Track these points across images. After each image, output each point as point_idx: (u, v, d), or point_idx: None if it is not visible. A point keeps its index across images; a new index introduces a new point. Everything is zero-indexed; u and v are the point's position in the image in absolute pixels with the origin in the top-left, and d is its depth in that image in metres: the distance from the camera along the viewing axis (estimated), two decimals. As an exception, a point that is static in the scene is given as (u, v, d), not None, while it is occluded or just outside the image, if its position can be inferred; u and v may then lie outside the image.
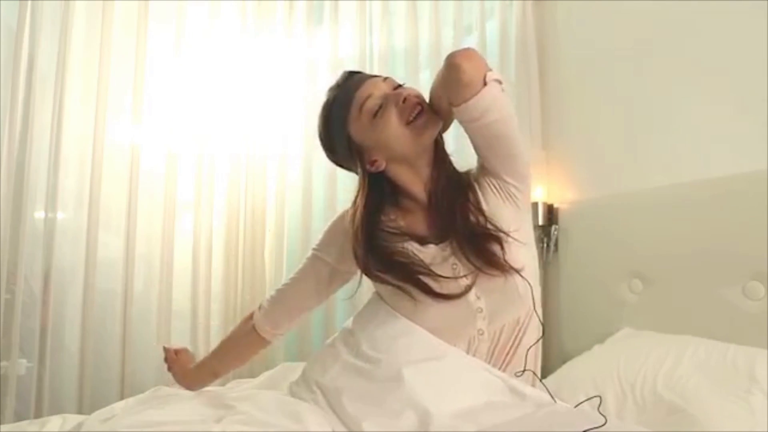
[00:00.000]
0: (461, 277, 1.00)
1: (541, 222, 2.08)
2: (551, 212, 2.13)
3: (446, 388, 0.92)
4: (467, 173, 1.12)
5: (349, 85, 1.08)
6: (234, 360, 1.29)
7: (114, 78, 1.74)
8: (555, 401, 0.93)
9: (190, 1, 1.88)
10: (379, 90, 1.05)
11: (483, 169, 1.08)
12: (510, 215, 1.04)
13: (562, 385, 1.44)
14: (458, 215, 1.03)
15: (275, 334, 1.21)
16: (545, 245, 2.07)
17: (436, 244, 1.04)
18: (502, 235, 1.00)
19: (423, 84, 2.12)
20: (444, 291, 0.99)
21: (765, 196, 1.48)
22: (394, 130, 1.03)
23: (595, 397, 0.98)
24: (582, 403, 0.97)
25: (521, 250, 1.02)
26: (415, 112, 1.02)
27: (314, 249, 1.19)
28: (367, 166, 1.08)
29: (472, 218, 1.02)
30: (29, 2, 1.63)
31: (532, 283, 1.02)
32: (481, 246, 1.00)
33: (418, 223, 1.09)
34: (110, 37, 1.74)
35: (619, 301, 1.83)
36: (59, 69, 1.66)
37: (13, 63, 1.60)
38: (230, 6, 1.95)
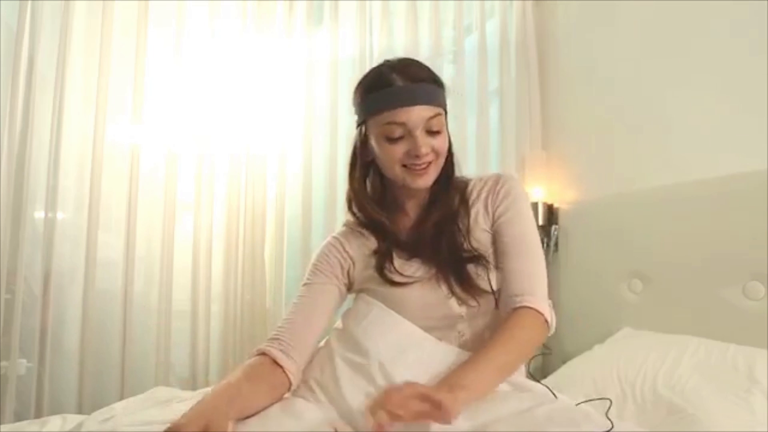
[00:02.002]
0: (413, 280, 1.04)
1: (541, 222, 2.08)
2: (551, 212, 2.13)
3: (438, 377, 0.92)
4: (465, 186, 1.14)
5: (403, 97, 1.03)
6: (261, 397, 0.97)
7: (114, 78, 1.74)
8: (556, 396, 0.93)
9: (190, 1, 1.88)
10: (412, 121, 1.02)
11: (489, 202, 1.11)
12: (487, 237, 1.09)
13: (562, 385, 1.43)
14: (444, 247, 1.06)
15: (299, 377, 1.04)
16: (545, 245, 2.07)
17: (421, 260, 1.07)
18: (485, 258, 1.04)
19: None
20: (392, 277, 1.06)
21: (765, 196, 1.48)
22: (392, 163, 1.06)
23: (605, 399, 0.98)
24: (585, 402, 0.97)
25: (497, 273, 1.05)
26: (418, 167, 1.04)
27: (307, 281, 1.15)
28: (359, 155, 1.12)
29: (458, 242, 1.06)
30: (29, 2, 1.63)
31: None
32: (464, 270, 1.03)
33: (399, 224, 1.13)
34: (110, 37, 1.73)
35: (619, 301, 1.83)
36: (59, 69, 1.65)
37: (13, 63, 1.60)
38: (230, 6, 1.95)
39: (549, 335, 1.04)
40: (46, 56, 1.66)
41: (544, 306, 1.00)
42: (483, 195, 1.12)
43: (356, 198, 1.14)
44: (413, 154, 1.03)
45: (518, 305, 0.99)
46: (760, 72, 1.61)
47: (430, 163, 1.05)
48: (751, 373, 1.27)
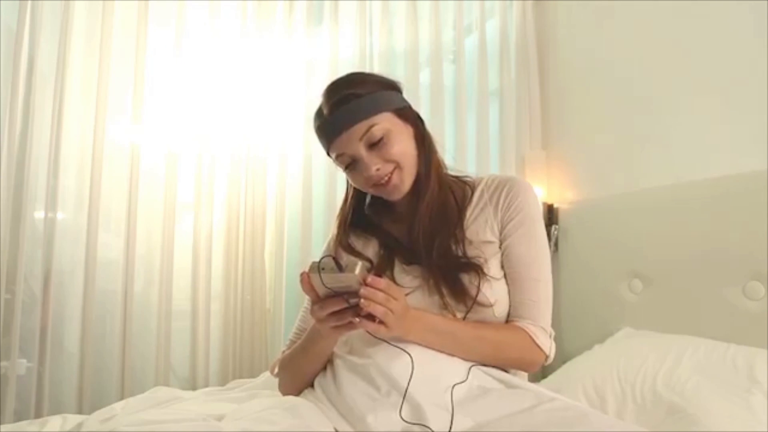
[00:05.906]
0: (409, 288, 1.02)
1: (541, 222, 2.08)
2: (551, 212, 2.13)
3: (439, 380, 0.93)
4: (464, 186, 1.12)
5: (330, 130, 1.03)
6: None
7: (114, 78, 1.74)
8: (554, 397, 0.93)
9: (190, 1, 1.88)
10: (348, 148, 1.02)
11: (499, 210, 1.08)
12: (490, 247, 1.06)
13: (562, 385, 1.44)
14: (435, 250, 1.03)
15: None
16: (545, 245, 2.07)
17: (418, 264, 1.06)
18: (479, 267, 1.01)
19: (423, 82, 2.14)
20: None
21: (765, 196, 1.48)
22: (361, 185, 1.08)
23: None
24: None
25: (495, 284, 1.03)
26: (382, 182, 1.04)
27: None
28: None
29: (452, 249, 1.04)
30: (29, 2, 1.63)
31: (501, 316, 1.04)
32: (456, 278, 1.01)
33: (399, 232, 1.12)
34: (110, 37, 1.73)
35: (619, 301, 1.83)
36: (59, 69, 1.65)
37: (13, 63, 1.60)
38: (230, 6, 1.95)
39: (545, 363, 1.06)
40: (46, 56, 1.65)
41: (542, 336, 1.03)
42: (494, 200, 1.08)
43: (353, 212, 1.15)
44: (365, 176, 1.03)
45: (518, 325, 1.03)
46: (760, 72, 1.61)
47: (392, 173, 1.03)
48: (751, 373, 1.27)
